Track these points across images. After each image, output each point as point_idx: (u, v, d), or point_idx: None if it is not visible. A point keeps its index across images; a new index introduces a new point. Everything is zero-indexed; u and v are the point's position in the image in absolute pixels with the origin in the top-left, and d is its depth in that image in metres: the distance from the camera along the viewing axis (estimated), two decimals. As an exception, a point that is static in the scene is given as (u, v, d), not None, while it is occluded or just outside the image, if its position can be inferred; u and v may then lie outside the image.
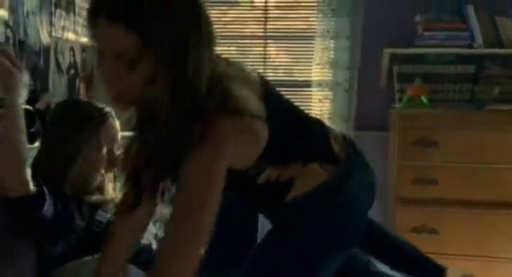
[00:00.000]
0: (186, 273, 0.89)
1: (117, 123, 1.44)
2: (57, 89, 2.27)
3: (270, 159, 1.05)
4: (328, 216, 1.10)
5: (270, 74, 3.23)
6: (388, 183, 2.81)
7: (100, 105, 1.48)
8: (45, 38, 2.11)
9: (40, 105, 1.87)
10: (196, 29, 0.92)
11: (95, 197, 1.40)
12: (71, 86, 2.37)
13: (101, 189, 1.45)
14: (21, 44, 1.95)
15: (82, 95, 2.49)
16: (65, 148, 1.34)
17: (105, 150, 1.39)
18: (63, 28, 2.27)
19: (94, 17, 0.91)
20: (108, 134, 1.40)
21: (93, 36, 0.93)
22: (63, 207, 1.29)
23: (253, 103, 0.98)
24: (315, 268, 1.09)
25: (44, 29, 2.10)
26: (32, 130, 1.64)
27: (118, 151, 1.42)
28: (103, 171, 1.43)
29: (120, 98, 0.96)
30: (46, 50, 2.13)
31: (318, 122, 1.20)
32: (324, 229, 1.10)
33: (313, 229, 1.09)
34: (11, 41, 1.87)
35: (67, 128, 1.38)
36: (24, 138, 1.18)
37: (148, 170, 1.00)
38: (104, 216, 1.41)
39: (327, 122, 2.87)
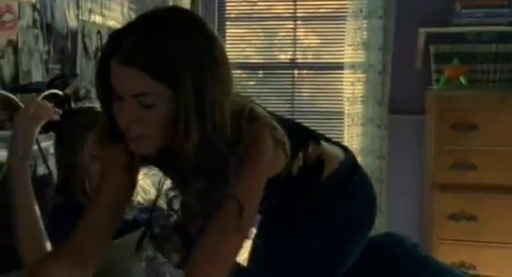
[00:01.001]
0: None
1: None
2: (85, 74, 2.25)
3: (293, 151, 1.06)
4: (359, 189, 1.17)
5: (300, 56, 3.16)
6: (425, 169, 2.74)
7: (91, 110, 1.44)
8: (72, 21, 2.10)
9: (68, 91, 1.84)
10: (213, 61, 0.90)
11: None
12: None
13: None
14: (48, 27, 1.93)
15: None
16: (63, 160, 1.34)
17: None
18: (90, 11, 2.25)
19: (108, 61, 0.88)
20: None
21: (112, 80, 0.89)
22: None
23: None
24: (352, 245, 1.15)
25: (71, 11, 2.08)
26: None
27: None
28: None
29: (143, 143, 0.92)
30: (73, 33, 2.12)
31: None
32: (362, 203, 1.17)
33: (351, 204, 1.15)
34: (38, 24, 1.86)
35: (61, 140, 1.39)
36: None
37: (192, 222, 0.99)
38: (130, 213, 1.38)
39: (359, 106, 2.93)
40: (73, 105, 1.67)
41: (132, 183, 0.99)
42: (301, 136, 1.11)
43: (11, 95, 1.44)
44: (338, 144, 1.24)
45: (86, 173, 1.32)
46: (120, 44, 0.87)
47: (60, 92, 1.65)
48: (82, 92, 2.01)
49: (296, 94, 3.13)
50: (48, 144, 1.47)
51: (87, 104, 1.81)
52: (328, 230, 1.13)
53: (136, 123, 0.90)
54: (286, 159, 1.02)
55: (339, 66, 2.99)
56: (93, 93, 2.04)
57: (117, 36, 0.89)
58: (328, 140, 1.22)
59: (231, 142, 0.91)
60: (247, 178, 0.93)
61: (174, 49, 0.86)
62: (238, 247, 0.92)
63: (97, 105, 1.87)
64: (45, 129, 1.37)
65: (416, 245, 1.31)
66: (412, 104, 2.84)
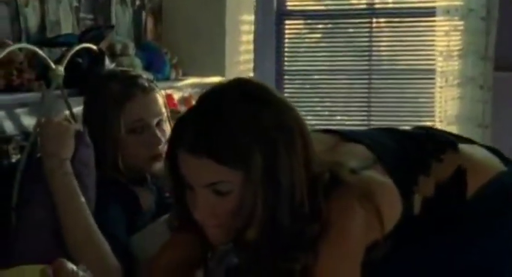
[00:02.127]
0: None
1: (155, 94, 1.35)
2: (121, 25, 2.11)
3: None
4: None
5: (378, 1, 2.93)
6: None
7: (126, 75, 1.38)
8: (105, -38, 2.03)
9: (103, 45, 1.69)
10: (284, 133, 0.90)
11: (157, 167, 1.32)
12: (137, 20, 2.24)
13: (148, 170, 1.36)
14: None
15: (150, 30, 2.31)
16: (94, 132, 1.29)
17: (138, 126, 1.32)
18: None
19: (175, 152, 0.92)
20: (135, 108, 1.31)
21: (181, 171, 0.93)
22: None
23: (367, 163, 0.98)
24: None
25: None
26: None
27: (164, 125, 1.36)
28: (148, 154, 1.33)
29: (221, 233, 0.94)
30: (107, -24, 2.05)
31: None
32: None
33: (505, 225, 1.03)
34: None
35: (92, 114, 1.34)
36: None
37: None
38: None
39: (456, 62, 2.62)
40: (108, 62, 1.57)
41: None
42: (417, 158, 1.03)
43: (37, 49, 1.38)
44: (489, 148, 1.12)
45: (120, 147, 1.30)
46: (182, 132, 0.91)
47: (94, 47, 1.54)
48: (118, 47, 1.86)
49: (374, 48, 2.94)
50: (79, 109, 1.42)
51: (123, 66, 1.74)
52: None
53: (213, 216, 0.91)
54: (394, 210, 0.97)
55: (430, 12, 2.75)
56: (131, 48, 1.92)
57: (179, 124, 0.94)
58: (472, 142, 1.13)
59: (306, 219, 0.90)
60: (335, 262, 0.91)
61: (235, 129, 0.88)
62: None
63: (134, 68, 1.73)
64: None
65: None
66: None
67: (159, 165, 1.31)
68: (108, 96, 1.30)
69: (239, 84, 0.93)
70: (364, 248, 0.92)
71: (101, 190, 1.24)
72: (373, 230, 0.93)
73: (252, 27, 2.50)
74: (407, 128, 1.19)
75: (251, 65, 2.49)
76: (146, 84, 1.32)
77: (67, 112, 1.40)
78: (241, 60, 2.39)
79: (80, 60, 1.45)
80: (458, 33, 2.61)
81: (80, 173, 1.18)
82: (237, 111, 0.88)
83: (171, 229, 1.03)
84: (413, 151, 1.03)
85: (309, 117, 3.19)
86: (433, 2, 2.71)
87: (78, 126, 1.28)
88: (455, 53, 2.63)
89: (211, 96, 0.92)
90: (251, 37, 2.48)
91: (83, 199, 1.15)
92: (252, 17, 2.50)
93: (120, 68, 1.52)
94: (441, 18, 2.64)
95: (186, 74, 2.15)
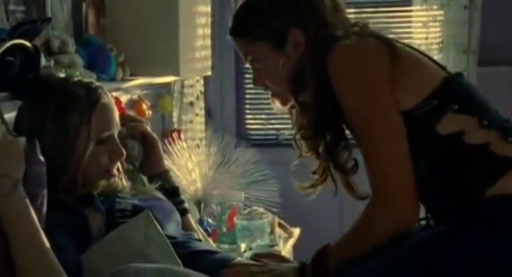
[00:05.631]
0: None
1: (112, 101, 1.40)
2: (59, 18, 2.08)
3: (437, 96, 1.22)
4: None
5: None
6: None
7: (85, 79, 1.42)
8: None
9: (38, 41, 1.70)
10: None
11: (104, 184, 1.37)
12: (76, 12, 2.23)
13: (103, 180, 1.39)
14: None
15: (91, 24, 2.28)
16: (48, 147, 1.27)
17: (105, 137, 1.34)
18: None
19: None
20: (104, 117, 1.34)
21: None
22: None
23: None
24: None
25: None
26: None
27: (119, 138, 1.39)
28: (106, 167, 1.36)
29: (279, 94, 1.36)
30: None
31: None
32: None
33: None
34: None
35: (44, 119, 1.32)
36: None
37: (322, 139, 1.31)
38: (127, 202, 1.39)
39: (435, 55, 2.68)
40: (44, 61, 1.62)
41: None
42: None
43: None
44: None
45: (83, 161, 1.30)
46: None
47: (27, 43, 1.48)
48: (56, 43, 1.87)
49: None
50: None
51: (62, 65, 1.76)
52: None
53: (264, 86, 1.38)
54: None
55: (405, 0, 2.84)
56: (71, 45, 1.92)
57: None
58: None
59: None
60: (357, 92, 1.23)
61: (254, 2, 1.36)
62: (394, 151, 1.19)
63: (74, 67, 1.74)
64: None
65: None
66: (509, 52, 2.67)
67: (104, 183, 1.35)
68: (71, 103, 1.29)
69: None
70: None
71: (47, 215, 1.21)
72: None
73: (209, 20, 2.53)
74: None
75: (209, 63, 2.51)
76: (101, 89, 1.35)
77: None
78: (198, 57, 2.41)
79: (11, 59, 1.43)
80: (437, 24, 2.69)
81: (33, 196, 1.15)
82: None
83: None
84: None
85: (272, 121, 3.28)
86: (409, -12, 2.80)
87: (23, 139, 1.22)
88: (435, 46, 2.70)
89: None
90: (208, 31, 2.50)
91: (39, 228, 1.12)
92: (208, 8, 2.51)
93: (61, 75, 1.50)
94: (418, 7, 2.72)
95: (134, 74, 2.14)
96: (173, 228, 1.40)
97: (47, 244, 1.14)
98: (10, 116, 1.37)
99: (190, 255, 1.30)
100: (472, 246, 1.13)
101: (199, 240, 1.45)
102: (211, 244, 1.56)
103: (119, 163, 1.40)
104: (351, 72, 1.21)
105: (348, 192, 1.32)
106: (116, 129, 1.36)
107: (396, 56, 1.21)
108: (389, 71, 1.20)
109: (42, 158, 1.20)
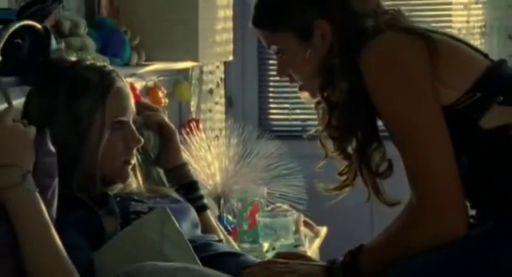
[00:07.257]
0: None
1: (127, 86, 1.40)
2: (70, 0, 2.11)
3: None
4: None
5: None
6: None
7: (98, 63, 1.43)
8: None
9: (48, 23, 1.70)
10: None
11: (120, 187, 1.39)
12: None
13: (122, 176, 1.40)
14: None
15: (105, 5, 2.29)
16: (60, 136, 1.27)
17: (120, 124, 1.34)
18: None
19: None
20: (119, 103, 1.35)
21: None
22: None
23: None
24: None
25: None
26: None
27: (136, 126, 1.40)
28: (123, 157, 1.36)
29: (305, 86, 1.34)
30: None
31: None
32: None
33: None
34: None
35: (54, 105, 1.33)
36: None
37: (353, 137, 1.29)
38: (143, 205, 1.41)
39: (477, 40, 2.66)
40: (55, 44, 1.57)
41: None
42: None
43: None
44: None
45: (96, 156, 1.31)
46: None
47: (37, 25, 1.51)
48: (67, 25, 1.88)
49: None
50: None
51: (73, 48, 1.77)
52: None
53: (289, 77, 1.38)
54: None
55: None
56: (83, 27, 1.93)
57: None
58: None
59: None
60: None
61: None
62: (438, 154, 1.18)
63: (86, 50, 1.76)
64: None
65: None
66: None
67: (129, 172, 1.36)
68: (83, 88, 1.29)
69: None
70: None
71: (60, 212, 1.22)
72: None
73: (231, 1, 2.52)
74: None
75: (230, 47, 2.51)
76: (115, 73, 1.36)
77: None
78: (218, 41, 2.40)
79: (19, 41, 1.45)
80: (480, 6, 2.67)
81: (44, 188, 1.16)
82: None
83: None
84: None
85: (297, 111, 3.26)
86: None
87: (33, 129, 1.23)
88: (477, 31, 2.68)
89: None
90: (230, 12, 2.49)
91: (49, 222, 1.13)
92: (230, -12, 2.52)
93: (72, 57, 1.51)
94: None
95: (149, 59, 2.15)
96: (191, 231, 1.40)
97: (57, 238, 1.14)
98: (18, 102, 1.39)
99: (210, 258, 1.29)
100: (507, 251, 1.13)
101: (220, 241, 1.44)
102: (232, 245, 1.55)
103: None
104: (390, 74, 1.19)
105: (375, 195, 1.30)
106: (131, 116, 1.35)
107: (435, 51, 1.18)
108: (430, 69, 1.18)
109: (52, 148, 1.21)
